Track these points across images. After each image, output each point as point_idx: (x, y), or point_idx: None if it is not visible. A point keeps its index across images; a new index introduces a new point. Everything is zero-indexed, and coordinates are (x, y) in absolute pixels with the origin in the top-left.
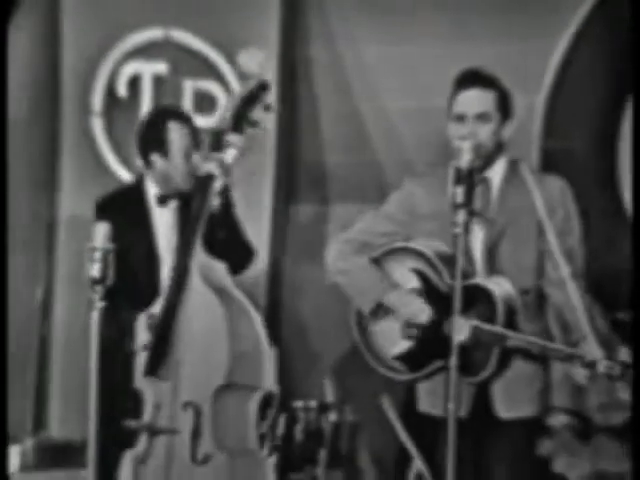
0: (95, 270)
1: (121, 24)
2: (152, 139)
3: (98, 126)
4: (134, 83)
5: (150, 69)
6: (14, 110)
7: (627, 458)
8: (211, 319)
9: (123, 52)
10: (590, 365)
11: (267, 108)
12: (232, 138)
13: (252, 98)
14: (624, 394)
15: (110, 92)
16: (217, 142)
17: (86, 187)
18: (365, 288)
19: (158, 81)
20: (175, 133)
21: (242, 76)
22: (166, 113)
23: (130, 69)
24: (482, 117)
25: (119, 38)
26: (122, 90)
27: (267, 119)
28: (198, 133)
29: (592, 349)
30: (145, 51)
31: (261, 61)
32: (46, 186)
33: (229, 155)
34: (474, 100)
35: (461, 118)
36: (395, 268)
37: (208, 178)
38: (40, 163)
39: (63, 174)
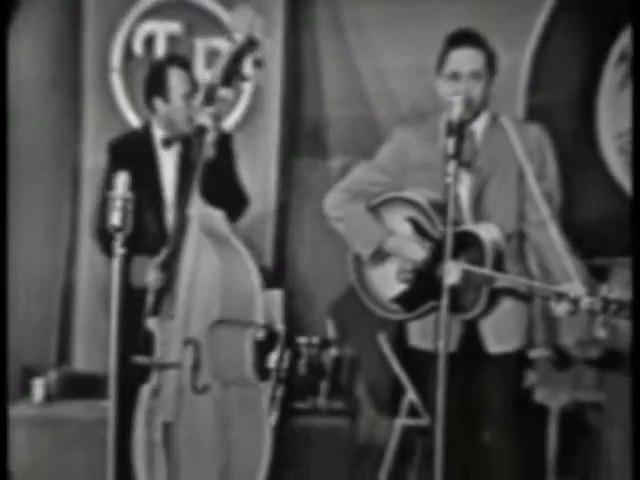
0: (115, 218)
1: None
2: (155, 84)
3: (117, 82)
4: (149, 42)
5: (164, 28)
6: (38, 68)
7: (602, 388)
8: (207, 263)
9: (139, 13)
10: (574, 301)
11: (257, 63)
12: (223, 92)
13: (241, 54)
14: (600, 332)
15: (128, 50)
16: (209, 96)
17: (107, 139)
18: (364, 234)
19: (172, 40)
20: (176, 79)
21: (229, 33)
22: (168, 61)
23: (146, 29)
24: (475, 75)
25: (135, 0)
26: (138, 48)
27: (259, 74)
28: (196, 81)
29: (575, 286)
30: (160, 12)
31: (250, 19)
32: (70, 139)
33: (218, 108)
34: (468, 59)
35: (455, 75)
36: (389, 217)
37: (201, 130)
38: (64, 117)
39: (85, 127)
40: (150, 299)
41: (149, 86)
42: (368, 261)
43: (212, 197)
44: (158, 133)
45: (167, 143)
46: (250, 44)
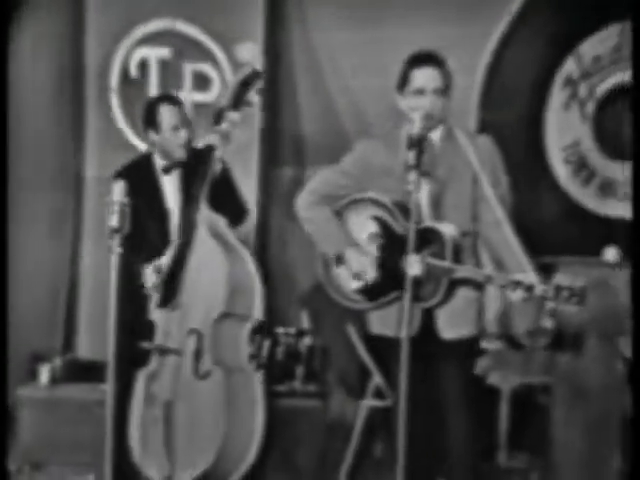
0: (114, 221)
1: (133, 17)
2: (148, 119)
3: (115, 100)
4: (143, 65)
5: (156, 54)
6: (47, 88)
7: (550, 371)
8: (213, 262)
9: (134, 40)
10: (529, 289)
11: (259, 92)
12: (232, 115)
13: (248, 83)
14: (547, 322)
15: (124, 73)
16: (218, 118)
17: (106, 151)
18: (329, 238)
19: (163, 64)
20: (165, 113)
21: (237, 64)
22: (159, 98)
23: (140, 54)
24: (437, 91)
25: (131, 28)
26: (134, 71)
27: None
28: (186, 114)
29: (529, 276)
30: (152, 39)
31: (254, 53)
32: (74, 150)
33: (229, 128)
34: (431, 77)
35: (420, 92)
36: (356, 216)
37: (211, 147)
38: (68, 131)
39: (87, 139)
40: (156, 293)
41: (144, 120)
42: (324, 259)
43: (218, 206)
44: (158, 161)
45: (167, 170)
46: (255, 75)
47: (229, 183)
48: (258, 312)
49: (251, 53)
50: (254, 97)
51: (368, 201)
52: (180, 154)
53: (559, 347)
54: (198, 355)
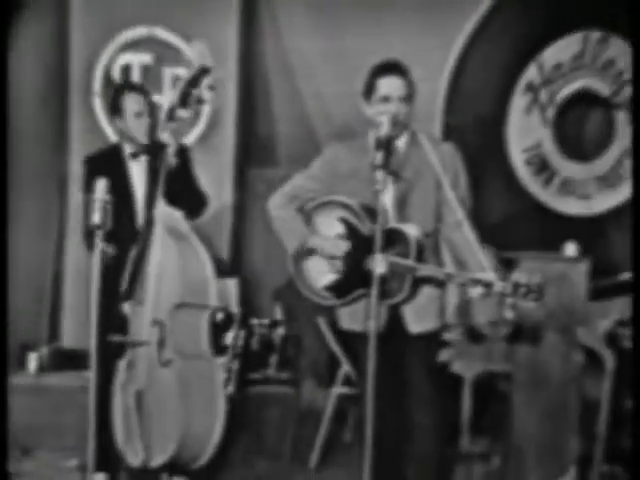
0: (96, 217)
1: (115, 24)
2: (114, 106)
3: (98, 103)
4: (126, 70)
5: (138, 59)
6: (33, 90)
7: (510, 360)
8: (169, 256)
9: (117, 46)
10: (487, 286)
11: (211, 88)
12: (181, 112)
13: (195, 80)
14: (508, 313)
15: (107, 77)
16: (170, 116)
17: (89, 150)
18: (290, 232)
19: (144, 69)
20: (128, 100)
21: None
22: (122, 86)
23: (123, 59)
24: (402, 99)
25: (114, 35)
26: (117, 76)
27: (215, 98)
28: (151, 101)
29: (488, 274)
30: (134, 45)
31: (201, 51)
32: (59, 149)
33: (180, 125)
34: (396, 85)
35: (386, 99)
36: (324, 218)
37: (162, 144)
38: (54, 132)
39: (72, 140)
40: (123, 287)
41: (110, 107)
42: (294, 256)
43: (174, 200)
44: (127, 147)
45: (134, 155)
46: (203, 71)
47: (187, 176)
48: (213, 301)
49: (199, 51)
50: (205, 94)
51: (335, 203)
52: (143, 140)
53: (519, 338)
54: (161, 344)
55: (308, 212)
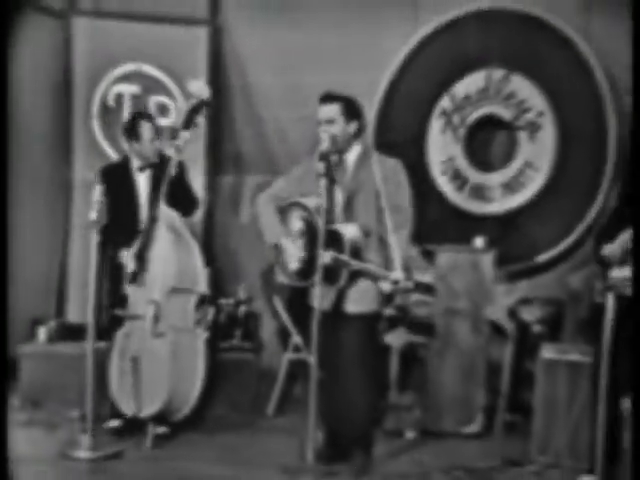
0: (94, 215)
1: (109, 59)
2: (131, 131)
3: (96, 124)
4: (119, 98)
5: (129, 90)
6: (39, 112)
7: (428, 333)
8: (167, 249)
9: (112, 79)
10: (395, 282)
11: (206, 116)
12: (184, 133)
13: (197, 109)
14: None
15: (104, 104)
16: (174, 135)
17: (89, 162)
18: (270, 230)
19: (134, 97)
20: (144, 127)
21: (189, 95)
22: (139, 115)
23: (116, 89)
24: (329, 121)
25: (109, 69)
26: (111, 102)
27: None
28: (159, 128)
29: (397, 273)
30: (126, 78)
31: (201, 86)
32: (64, 162)
33: (181, 143)
34: (325, 111)
35: (327, 121)
36: (292, 215)
37: (168, 158)
38: (59, 147)
39: (75, 153)
40: (128, 273)
41: (127, 132)
42: (271, 248)
43: (173, 202)
44: (135, 162)
45: (141, 169)
46: (202, 104)
47: (183, 183)
48: (201, 287)
49: (200, 87)
50: (200, 120)
51: (298, 204)
52: (154, 158)
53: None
54: (156, 320)
55: (283, 209)
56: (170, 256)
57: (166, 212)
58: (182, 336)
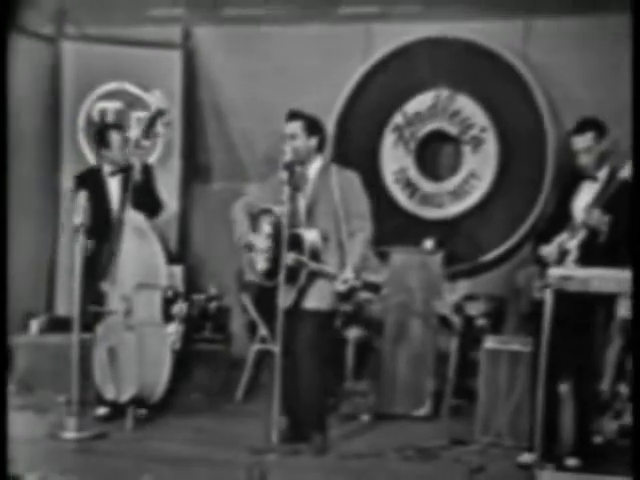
0: (78, 218)
1: (94, 79)
2: (100, 140)
3: (82, 136)
4: (103, 113)
5: (112, 105)
6: (30, 124)
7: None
8: (132, 248)
9: (96, 96)
10: (345, 281)
11: (167, 124)
12: (144, 142)
13: (154, 118)
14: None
15: (89, 118)
16: (136, 145)
17: (76, 171)
18: (239, 231)
19: (117, 112)
20: (114, 136)
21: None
22: (108, 125)
23: (100, 105)
24: (291, 136)
25: (94, 87)
26: (96, 117)
27: (168, 131)
28: (128, 137)
29: (347, 272)
30: (109, 95)
31: (159, 97)
32: (53, 170)
33: (144, 151)
34: (289, 127)
35: (290, 137)
36: (262, 220)
37: (131, 166)
38: (50, 157)
39: (64, 162)
40: (102, 270)
41: (97, 140)
42: (241, 248)
43: (139, 205)
44: (106, 168)
45: (112, 174)
46: (159, 113)
47: (149, 188)
48: (164, 281)
49: (157, 98)
50: (161, 129)
51: (268, 211)
52: (124, 164)
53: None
54: (127, 314)
55: (256, 214)
56: (136, 255)
57: (132, 214)
58: (149, 328)
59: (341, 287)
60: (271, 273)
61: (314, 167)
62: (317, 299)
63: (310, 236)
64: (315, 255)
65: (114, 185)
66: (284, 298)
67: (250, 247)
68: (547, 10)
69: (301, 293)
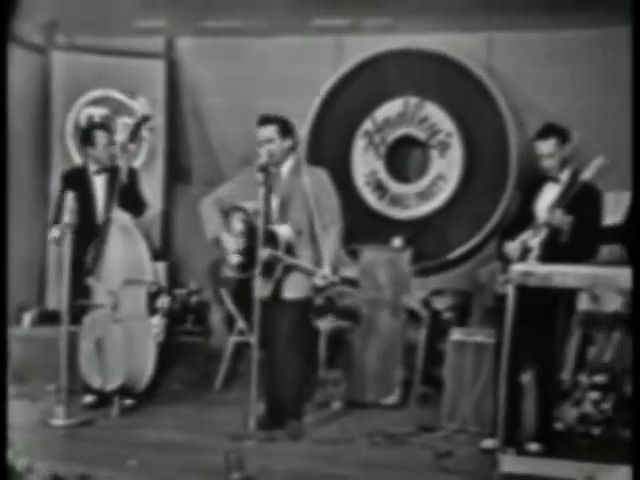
0: (67, 218)
1: (82, 86)
2: (86, 139)
3: (70, 141)
4: (90, 119)
5: (98, 112)
6: (22, 129)
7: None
8: (118, 245)
9: (84, 102)
10: (324, 278)
11: (151, 129)
12: (130, 146)
13: (139, 124)
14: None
15: (76, 123)
16: (122, 148)
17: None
18: (209, 227)
19: (103, 118)
20: (99, 135)
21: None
22: (94, 125)
23: (87, 111)
24: (267, 140)
25: (82, 94)
26: (83, 122)
27: (152, 136)
28: (113, 137)
29: (325, 268)
30: (96, 102)
31: (143, 103)
32: (43, 172)
33: (130, 154)
34: (263, 131)
35: (260, 140)
36: (234, 217)
37: (118, 168)
38: (40, 160)
39: (53, 165)
40: (88, 266)
41: (83, 139)
42: (212, 243)
43: (125, 205)
44: (92, 167)
45: (98, 172)
46: (145, 118)
47: (134, 189)
48: (149, 277)
49: (142, 104)
50: (145, 133)
51: (239, 208)
52: (109, 163)
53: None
54: (114, 307)
55: (227, 211)
56: (122, 252)
57: (119, 214)
58: (136, 322)
59: (320, 282)
60: (244, 267)
61: (287, 167)
62: (295, 289)
63: (284, 231)
64: (290, 249)
65: (99, 183)
66: (261, 290)
67: (221, 241)
68: (509, 24)
69: (278, 285)
